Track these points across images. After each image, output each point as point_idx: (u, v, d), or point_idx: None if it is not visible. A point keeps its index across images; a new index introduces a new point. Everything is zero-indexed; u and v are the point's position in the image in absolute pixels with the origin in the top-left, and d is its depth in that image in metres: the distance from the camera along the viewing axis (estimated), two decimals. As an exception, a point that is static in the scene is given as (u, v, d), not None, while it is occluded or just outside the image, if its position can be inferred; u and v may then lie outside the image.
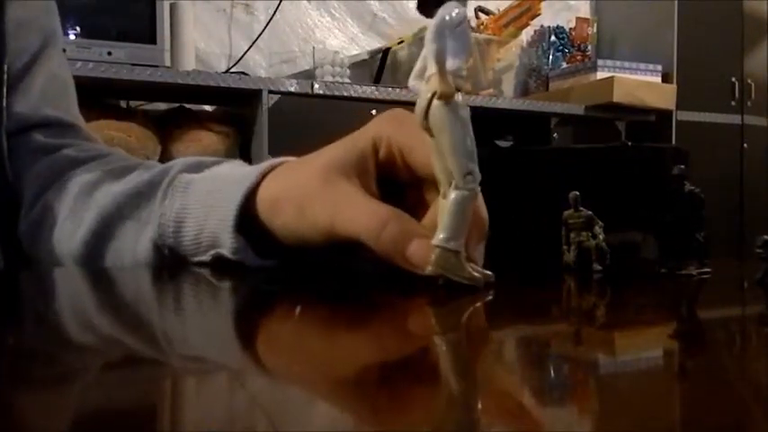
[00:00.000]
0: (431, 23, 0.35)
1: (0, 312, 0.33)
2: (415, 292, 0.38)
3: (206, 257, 0.47)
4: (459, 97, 0.37)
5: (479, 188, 0.38)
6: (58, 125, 0.63)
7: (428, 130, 0.38)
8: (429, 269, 0.38)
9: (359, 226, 0.40)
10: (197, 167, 0.51)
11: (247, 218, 0.45)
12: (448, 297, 0.36)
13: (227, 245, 0.45)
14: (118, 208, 0.52)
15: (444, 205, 0.38)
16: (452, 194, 0.37)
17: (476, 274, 0.38)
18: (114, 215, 0.52)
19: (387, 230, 0.39)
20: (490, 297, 0.37)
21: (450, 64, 0.36)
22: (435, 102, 0.36)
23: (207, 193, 0.48)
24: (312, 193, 0.43)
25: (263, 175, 0.46)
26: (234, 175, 0.47)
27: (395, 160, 0.43)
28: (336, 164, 0.43)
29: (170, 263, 0.49)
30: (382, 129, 0.43)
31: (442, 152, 0.38)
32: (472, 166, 0.37)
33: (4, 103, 0.60)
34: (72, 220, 0.55)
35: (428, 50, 0.36)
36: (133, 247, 0.50)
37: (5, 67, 0.60)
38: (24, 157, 0.61)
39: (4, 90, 0.59)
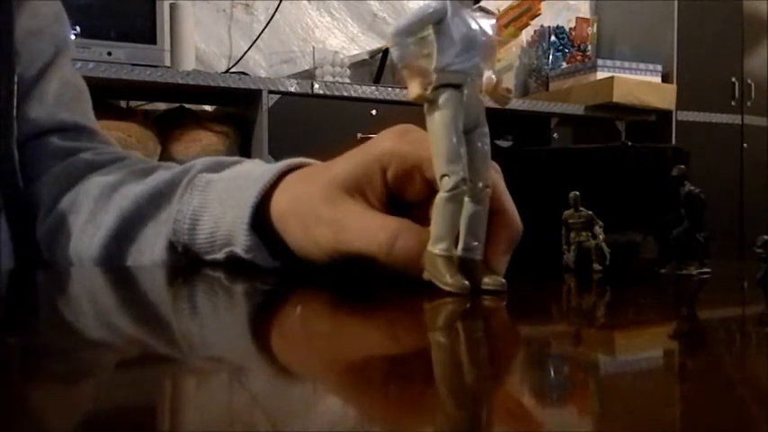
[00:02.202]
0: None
1: (11, 311, 0.33)
2: (416, 294, 0.38)
3: (219, 255, 0.47)
4: (447, 94, 0.36)
5: (477, 189, 0.37)
6: (74, 129, 0.64)
7: None
8: (425, 275, 0.37)
9: (367, 241, 0.39)
10: (217, 167, 0.51)
11: (262, 219, 0.45)
12: (448, 299, 0.36)
13: (240, 243, 0.45)
14: (138, 209, 0.52)
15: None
16: (437, 198, 0.37)
17: (464, 281, 0.36)
18: (134, 216, 0.52)
19: (399, 243, 0.38)
20: (489, 297, 0.37)
21: (439, 61, 0.35)
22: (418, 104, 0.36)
23: (225, 192, 0.47)
24: (315, 213, 0.42)
25: (281, 175, 0.46)
26: (252, 175, 0.47)
27: (411, 176, 0.41)
28: (340, 181, 0.42)
29: (184, 262, 0.49)
30: (393, 146, 0.42)
31: None
32: (449, 167, 0.36)
33: (15, 113, 0.60)
34: (92, 222, 0.55)
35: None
36: (152, 246, 0.51)
37: (16, 78, 0.60)
38: (41, 161, 0.61)
39: (14, 101, 0.60)
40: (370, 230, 0.40)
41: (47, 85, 0.63)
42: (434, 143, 0.36)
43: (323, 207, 0.42)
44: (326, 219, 0.42)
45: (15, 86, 0.59)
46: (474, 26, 0.36)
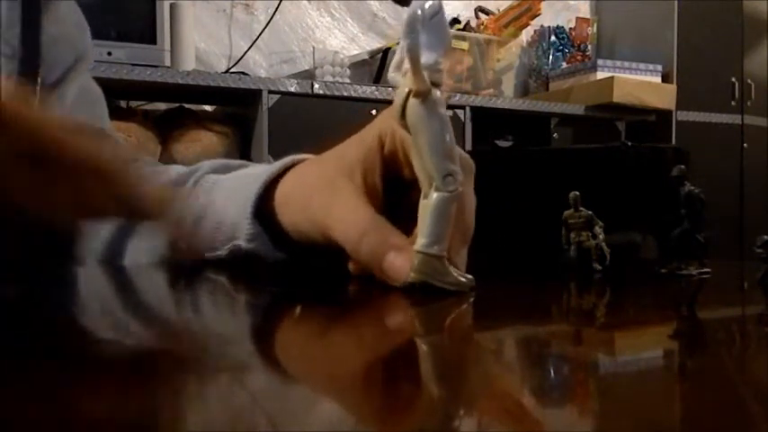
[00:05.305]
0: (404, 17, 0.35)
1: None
2: (414, 296, 0.38)
3: (223, 251, 0.48)
4: (437, 93, 0.35)
5: (461, 189, 0.37)
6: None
7: (406, 128, 0.36)
8: (412, 275, 0.36)
9: (340, 233, 0.41)
10: (224, 169, 0.53)
11: (265, 212, 0.46)
12: (441, 299, 0.36)
13: (243, 231, 0.46)
14: None
15: (425, 207, 0.36)
16: (433, 196, 0.36)
17: (462, 279, 0.36)
18: None
19: (365, 241, 0.39)
20: (489, 298, 0.37)
21: (426, 58, 0.35)
22: (411, 99, 0.35)
23: (231, 190, 0.49)
24: (315, 193, 0.43)
25: (286, 168, 0.46)
26: (257, 172, 0.48)
27: (398, 156, 0.42)
28: (342, 162, 0.43)
29: (187, 262, 0.49)
30: (387, 123, 0.42)
31: (420, 152, 0.36)
32: (452, 166, 0.36)
33: None
34: None
35: (402, 46, 0.35)
36: (152, 242, 0.51)
37: (39, 81, 0.60)
38: None
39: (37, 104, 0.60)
40: (345, 223, 0.41)
41: (66, 90, 0.64)
42: (433, 141, 0.36)
43: (323, 188, 0.43)
44: (323, 200, 0.43)
45: (38, 89, 0.60)
46: (449, 29, 0.36)
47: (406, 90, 0.35)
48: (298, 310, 0.36)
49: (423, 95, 0.35)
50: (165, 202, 0.37)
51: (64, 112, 0.63)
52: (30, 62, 0.60)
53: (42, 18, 0.62)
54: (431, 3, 0.35)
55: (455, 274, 0.36)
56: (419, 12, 0.34)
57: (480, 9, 2.85)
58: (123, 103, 2.28)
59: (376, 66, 2.59)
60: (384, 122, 0.43)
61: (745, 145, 3.01)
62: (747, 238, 2.78)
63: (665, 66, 2.84)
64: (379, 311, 0.36)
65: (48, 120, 0.38)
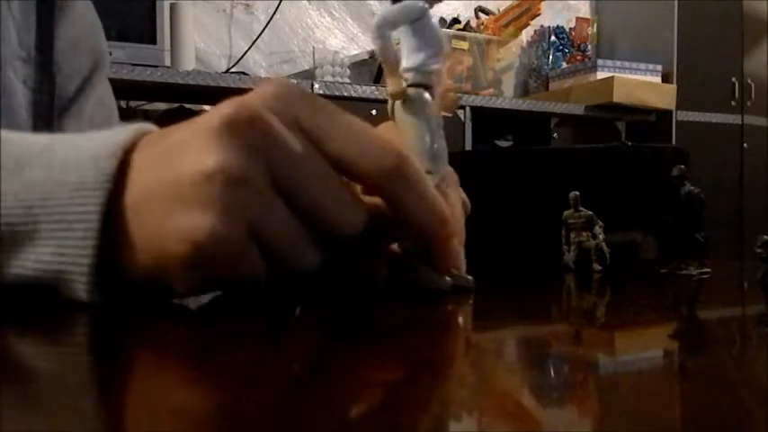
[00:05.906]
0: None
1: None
2: (409, 296, 0.38)
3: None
4: (424, 94, 0.36)
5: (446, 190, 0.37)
6: None
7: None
8: (387, 276, 0.36)
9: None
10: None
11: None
12: (440, 299, 0.36)
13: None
14: None
15: None
16: None
17: (448, 279, 0.36)
18: None
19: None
20: (489, 298, 0.37)
21: (412, 61, 0.35)
22: (395, 100, 0.36)
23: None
24: None
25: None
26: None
27: None
28: None
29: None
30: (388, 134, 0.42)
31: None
32: (432, 165, 0.36)
33: (54, 123, 0.59)
34: None
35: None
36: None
37: (56, 91, 0.59)
38: None
39: (55, 111, 0.59)
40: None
41: (84, 104, 0.63)
42: (412, 140, 0.36)
43: None
44: None
45: (55, 105, 0.59)
46: (441, 32, 0.37)
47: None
48: (297, 311, 0.36)
49: (398, 96, 0.36)
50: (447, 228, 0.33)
51: (81, 128, 0.62)
52: (45, 66, 0.58)
53: (58, 19, 0.60)
54: (411, 7, 0.35)
55: (427, 273, 0.36)
56: (388, 16, 0.35)
57: (480, 9, 2.85)
58: (123, 103, 2.28)
59: (376, 66, 2.59)
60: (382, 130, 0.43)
61: (745, 145, 3.01)
62: (747, 238, 2.78)
63: (665, 66, 2.84)
64: (377, 312, 0.36)
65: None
